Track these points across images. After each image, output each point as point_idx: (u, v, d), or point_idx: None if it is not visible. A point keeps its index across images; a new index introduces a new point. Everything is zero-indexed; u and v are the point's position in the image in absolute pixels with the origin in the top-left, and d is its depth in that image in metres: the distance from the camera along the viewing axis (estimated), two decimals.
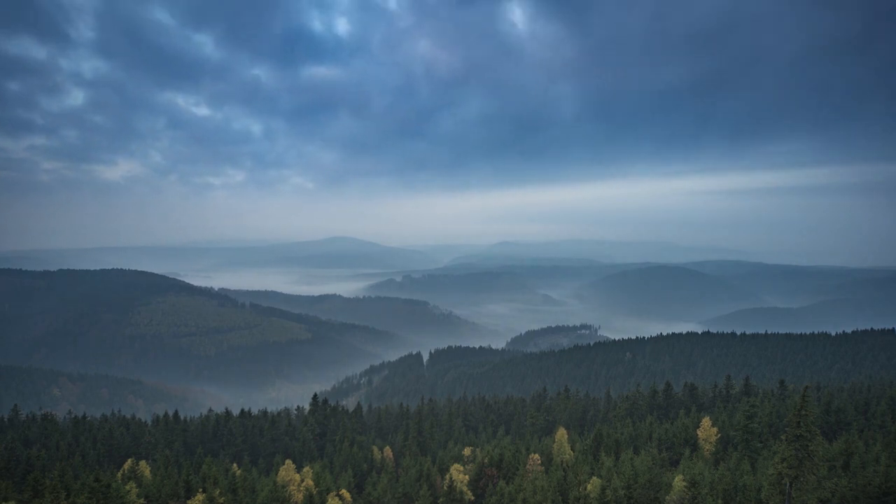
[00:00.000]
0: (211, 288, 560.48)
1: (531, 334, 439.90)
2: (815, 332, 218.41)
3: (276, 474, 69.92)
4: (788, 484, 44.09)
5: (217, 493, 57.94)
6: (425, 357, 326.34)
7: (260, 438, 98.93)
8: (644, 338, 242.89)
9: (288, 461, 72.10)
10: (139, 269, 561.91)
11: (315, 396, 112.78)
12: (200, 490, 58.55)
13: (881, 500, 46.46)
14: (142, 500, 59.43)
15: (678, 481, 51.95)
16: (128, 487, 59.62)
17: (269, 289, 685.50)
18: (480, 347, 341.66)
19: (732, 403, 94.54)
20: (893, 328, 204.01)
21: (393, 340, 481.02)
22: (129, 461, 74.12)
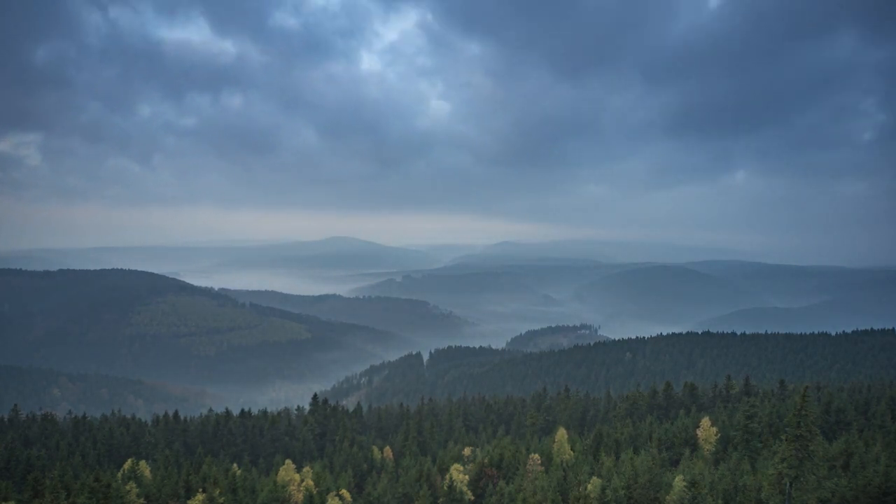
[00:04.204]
0: (211, 288, 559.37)
1: (531, 334, 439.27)
2: (815, 332, 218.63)
3: (276, 474, 69.95)
4: (788, 484, 44.14)
5: (217, 493, 58.00)
6: (425, 357, 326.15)
7: (260, 438, 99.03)
8: (644, 338, 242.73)
9: (288, 461, 72.17)
10: (139, 269, 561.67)
11: (315, 396, 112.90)
12: (200, 490, 58.63)
13: (881, 500, 46.49)
14: (142, 500, 59.51)
15: (678, 481, 52.01)
16: (128, 487, 59.70)
17: (269, 289, 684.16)
18: (480, 347, 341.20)
19: (732, 403, 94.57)
20: (893, 328, 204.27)
21: (393, 340, 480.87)
22: (129, 461, 74.11)
